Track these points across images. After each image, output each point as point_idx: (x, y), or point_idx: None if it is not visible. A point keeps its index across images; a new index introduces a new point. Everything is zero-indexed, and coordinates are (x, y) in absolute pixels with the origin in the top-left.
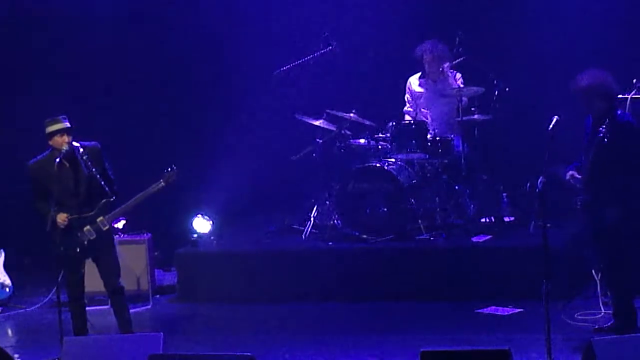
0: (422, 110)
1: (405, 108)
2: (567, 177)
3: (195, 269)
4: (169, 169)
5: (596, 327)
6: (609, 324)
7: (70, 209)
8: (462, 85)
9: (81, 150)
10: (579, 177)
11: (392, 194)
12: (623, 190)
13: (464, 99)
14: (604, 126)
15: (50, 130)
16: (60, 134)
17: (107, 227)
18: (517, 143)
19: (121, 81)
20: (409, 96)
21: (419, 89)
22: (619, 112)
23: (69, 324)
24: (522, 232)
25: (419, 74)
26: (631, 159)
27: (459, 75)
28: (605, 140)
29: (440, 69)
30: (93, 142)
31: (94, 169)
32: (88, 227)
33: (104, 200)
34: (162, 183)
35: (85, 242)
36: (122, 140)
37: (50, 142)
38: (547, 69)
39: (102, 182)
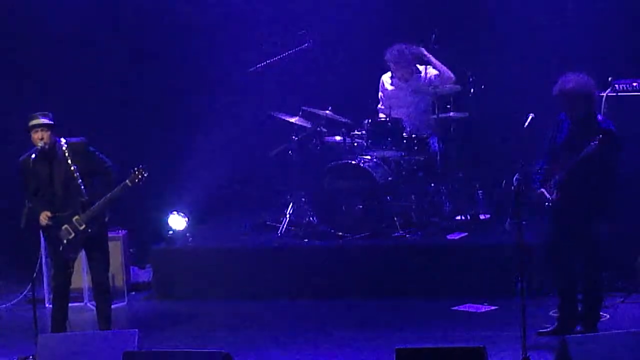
0: (396, 108)
1: (379, 106)
2: (537, 192)
3: (170, 265)
4: (135, 169)
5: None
6: (552, 327)
7: (48, 207)
8: (439, 74)
9: (64, 147)
10: (549, 197)
11: (367, 191)
12: (604, 204)
13: (448, 86)
14: (596, 141)
15: (28, 126)
16: (35, 130)
17: (83, 227)
18: (493, 141)
19: (95, 77)
20: (382, 94)
21: (391, 87)
22: (599, 118)
23: (44, 321)
24: (497, 229)
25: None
26: (613, 169)
27: (430, 68)
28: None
29: (413, 68)
30: (78, 138)
31: (73, 167)
32: (66, 226)
33: (81, 200)
34: (128, 183)
35: (65, 241)
36: (96, 137)
37: (31, 139)
38: (523, 66)
39: (80, 181)
